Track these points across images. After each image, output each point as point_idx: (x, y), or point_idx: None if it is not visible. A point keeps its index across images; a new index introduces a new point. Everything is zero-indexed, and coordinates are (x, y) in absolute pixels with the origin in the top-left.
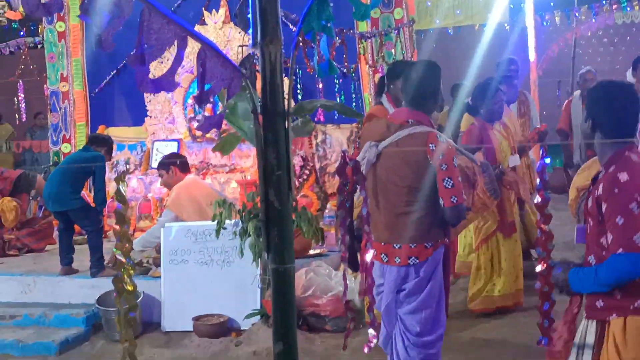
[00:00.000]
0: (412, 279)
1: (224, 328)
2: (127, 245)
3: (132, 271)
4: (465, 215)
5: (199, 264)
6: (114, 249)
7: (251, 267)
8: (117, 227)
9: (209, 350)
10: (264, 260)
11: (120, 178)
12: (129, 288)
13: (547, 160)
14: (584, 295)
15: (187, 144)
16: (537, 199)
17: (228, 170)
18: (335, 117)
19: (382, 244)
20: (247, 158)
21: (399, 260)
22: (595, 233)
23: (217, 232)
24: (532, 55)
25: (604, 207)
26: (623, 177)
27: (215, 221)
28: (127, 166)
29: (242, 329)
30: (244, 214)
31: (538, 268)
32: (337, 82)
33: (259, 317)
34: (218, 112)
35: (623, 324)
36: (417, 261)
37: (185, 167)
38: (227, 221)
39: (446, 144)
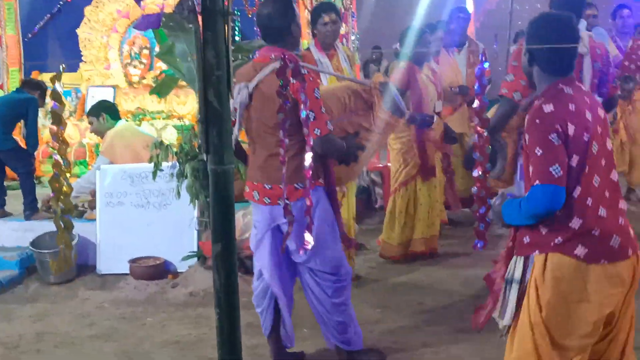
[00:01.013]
0: (284, 220)
1: (160, 270)
2: (63, 146)
3: (68, 174)
4: (337, 146)
5: (136, 207)
6: (50, 147)
7: (188, 209)
8: (54, 127)
9: (145, 292)
10: (201, 202)
11: (56, 77)
12: (65, 189)
13: (486, 65)
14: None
15: (123, 91)
16: (476, 103)
17: (165, 116)
18: None
19: (254, 182)
20: (183, 105)
21: (269, 200)
22: (527, 167)
23: (154, 174)
24: (470, 7)
25: (527, 138)
26: (548, 108)
27: (152, 163)
28: (63, 67)
29: (178, 271)
30: (181, 155)
31: (475, 173)
32: None
33: (195, 259)
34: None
35: (544, 260)
36: (288, 202)
37: (115, 114)
38: (164, 163)
39: (308, 75)
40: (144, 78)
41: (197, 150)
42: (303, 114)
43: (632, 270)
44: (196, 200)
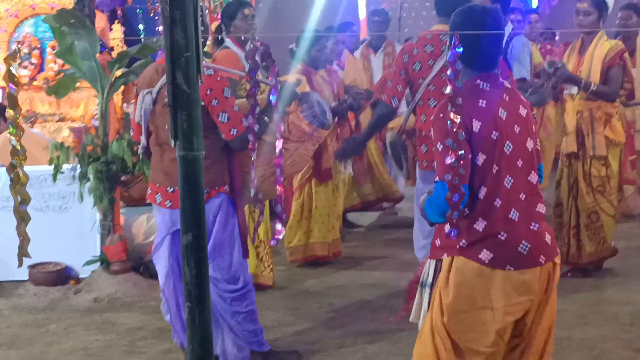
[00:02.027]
0: None
1: (61, 276)
2: (19, 131)
3: (23, 162)
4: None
5: (34, 211)
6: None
7: (91, 213)
8: (10, 111)
9: (47, 299)
10: (104, 205)
11: (11, 57)
12: (22, 177)
13: (459, 50)
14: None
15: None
16: (448, 89)
17: (58, 119)
18: None
19: (157, 185)
20: (77, 107)
21: (170, 204)
22: None
23: (55, 176)
24: (362, 14)
25: (432, 132)
26: (456, 102)
27: (52, 165)
28: (19, 47)
29: (81, 276)
30: (83, 157)
31: (448, 160)
32: None
33: (99, 264)
34: None
35: (450, 263)
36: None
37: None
38: (65, 165)
39: (214, 76)
40: (34, 79)
41: (100, 152)
42: (219, 118)
43: (546, 279)
44: (100, 203)
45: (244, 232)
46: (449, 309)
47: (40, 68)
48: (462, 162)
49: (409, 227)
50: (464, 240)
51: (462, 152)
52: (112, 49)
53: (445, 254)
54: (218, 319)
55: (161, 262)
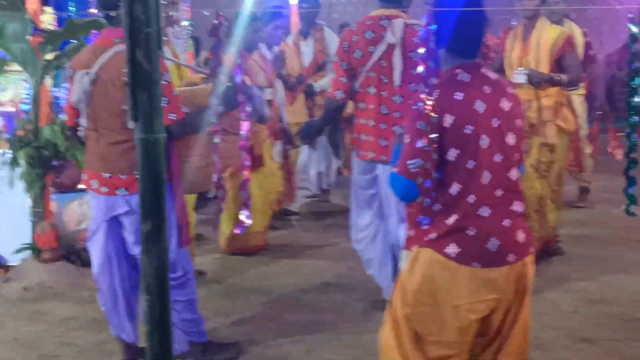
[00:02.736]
0: (123, 211)
1: None
2: None
3: None
4: (201, 124)
5: None
6: None
7: (21, 199)
8: None
9: None
10: (36, 191)
11: None
12: None
13: (432, 27)
14: None
15: None
16: (420, 68)
17: None
18: None
19: (93, 171)
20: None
21: (106, 190)
22: None
23: None
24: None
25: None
26: (428, 82)
27: None
28: None
29: (10, 264)
30: (14, 142)
31: (419, 143)
32: None
33: (29, 252)
34: None
35: (417, 254)
36: (127, 193)
37: None
38: None
39: None
40: None
41: (32, 136)
42: None
43: (515, 279)
44: (31, 189)
45: (182, 220)
46: (412, 300)
47: None
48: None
49: (342, 213)
50: (434, 233)
51: (430, 140)
52: (44, 31)
53: (416, 246)
54: None
55: (96, 251)
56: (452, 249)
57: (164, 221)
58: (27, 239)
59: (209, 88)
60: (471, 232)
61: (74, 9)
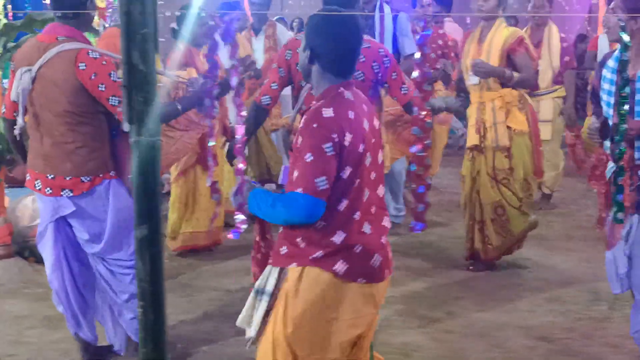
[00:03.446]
0: (69, 212)
1: None
2: None
3: None
4: (165, 114)
5: None
6: None
7: None
8: None
9: None
10: None
11: None
12: None
13: (429, 32)
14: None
15: None
16: (415, 73)
17: None
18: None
19: (36, 171)
20: None
21: (51, 191)
22: (292, 169)
23: None
24: None
25: (299, 140)
26: (327, 112)
27: None
28: None
29: None
30: None
31: (413, 149)
32: None
33: None
34: None
35: (300, 273)
36: (71, 194)
37: None
38: None
39: (100, 59)
40: None
41: None
42: (110, 102)
43: (384, 292)
44: None
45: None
46: (296, 321)
47: None
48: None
49: None
50: (320, 251)
51: (429, 141)
52: (5, 24)
53: (295, 264)
54: (114, 306)
55: (47, 252)
56: (340, 266)
57: (159, 226)
58: None
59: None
60: (358, 248)
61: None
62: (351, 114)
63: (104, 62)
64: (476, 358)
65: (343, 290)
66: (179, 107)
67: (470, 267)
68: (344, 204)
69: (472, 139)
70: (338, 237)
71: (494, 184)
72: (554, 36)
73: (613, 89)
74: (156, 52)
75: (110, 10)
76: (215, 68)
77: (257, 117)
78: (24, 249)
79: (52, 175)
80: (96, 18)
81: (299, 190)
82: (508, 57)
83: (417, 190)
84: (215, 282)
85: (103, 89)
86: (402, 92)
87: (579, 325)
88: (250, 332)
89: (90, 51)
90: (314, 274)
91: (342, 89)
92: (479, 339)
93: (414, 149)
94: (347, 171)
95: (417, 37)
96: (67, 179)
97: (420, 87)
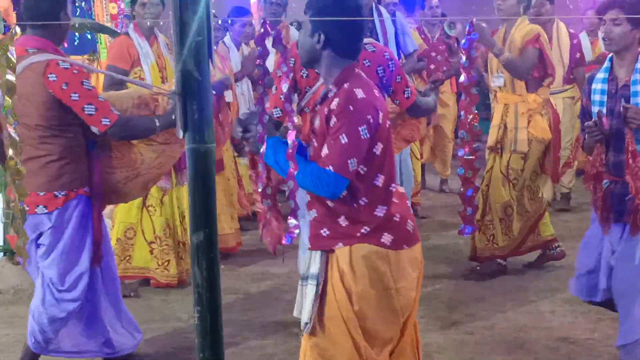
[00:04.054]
0: (46, 230)
1: None
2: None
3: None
4: (142, 124)
5: None
6: None
7: None
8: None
9: None
10: (6, 192)
11: (9, 39)
12: (22, 170)
13: (474, 36)
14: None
15: None
16: (463, 77)
17: None
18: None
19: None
20: None
21: (27, 209)
22: (319, 154)
23: None
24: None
25: (332, 121)
26: (360, 93)
27: None
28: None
29: None
30: None
31: (460, 152)
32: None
33: (2, 254)
34: None
35: (349, 252)
36: (46, 210)
37: None
38: None
39: (70, 69)
40: None
41: None
42: (85, 111)
43: (421, 252)
44: (4, 189)
45: (97, 237)
46: (360, 296)
47: None
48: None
49: None
50: (365, 227)
51: (477, 144)
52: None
53: (341, 244)
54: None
55: (35, 273)
56: (386, 237)
57: (215, 232)
58: (0, 241)
59: (134, 93)
60: (397, 218)
61: None
62: (376, 92)
63: (75, 72)
64: (498, 359)
65: (393, 259)
66: (157, 123)
67: (477, 267)
68: (381, 179)
69: (492, 139)
70: (380, 211)
71: (505, 182)
72: (562, 32)
73: (605, 98)
74: (210, 60)
75: (121, 16)
76: (266, 74)
77: (271, 129)
78: None
79: (27, 192)
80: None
81: (330, 168)
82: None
83: (466, 194)
84: (237, 285)
85: (77, 98)
86: (405, 95)
87: (601, 325)
88: (305, 319)
89: (59, 62)
90: (364, 250)
91: (357, 69)
92: (501, 341)
93: (461, 152)
94: (380, 147)
95: (463, 41)
96: (41, 194)
97: (468, 91)
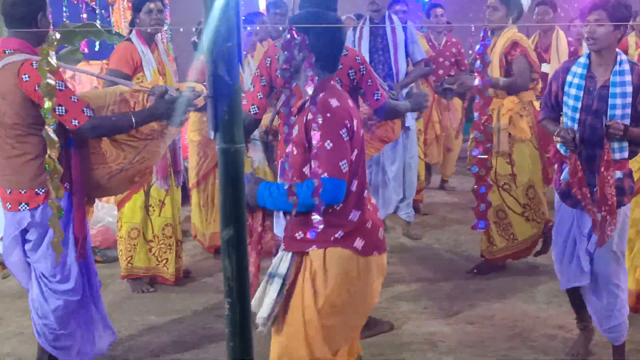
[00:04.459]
0: (30, 226)
1: None
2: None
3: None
4: (113, 123)
5: None
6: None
7: None
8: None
9: None
10: None
11: (49, 45)
12: (59, 169)
13: (488, 42)
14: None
15: None
16: (477, 80)
17: None
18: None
19: None
20: None
21: (10, 206)
22: (299, 162)
23: None
24: (261, 5)
25: (313, 132)
26: (334, 102)
27: None
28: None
29: None
30: None
31: (475, 152)
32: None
33: None
34: None
35: (323, 255)
36: (28, 207)
37: None
38: None
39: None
40: None
41: None
42: (56, 111)
43: (385, 262)
44: None
45: (78, 232)
46: (326, 299)
47: None
48: (351, 160)
49: None
50: (340, 232)
51: (490, 144)
52: None
53: (315, 246)
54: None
55: (17, 267)
56: (358, 242)
57: (245, 227)
58: None
59: (117, 90)
60: (369, 224)
61: (67, 14)
62: (350, 102)
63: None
64: (498, 347)
65: (363, 264)
66: (134, 120)
67: (475, 270)
68: (355, 184)
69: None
70: (354, 216)
71: (495, 188)
72: (561, 40)
73: (581, 93)
74: (240, 65)
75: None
76: (292, 78)
77: (249, 125)
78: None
79: (9, 190)
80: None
81: (325, 175)
82: (506, 61)
83: (479, 191)
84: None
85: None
86: (375, 98)
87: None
88: (262, 313)
89: (34, 62)
90: (337, 253)
91: (332, 81)
92: (500, 329)
93: (475, 152)
94: (355, 153)
95: (478, 46)
96: (23, 192)
97: (482, 94)
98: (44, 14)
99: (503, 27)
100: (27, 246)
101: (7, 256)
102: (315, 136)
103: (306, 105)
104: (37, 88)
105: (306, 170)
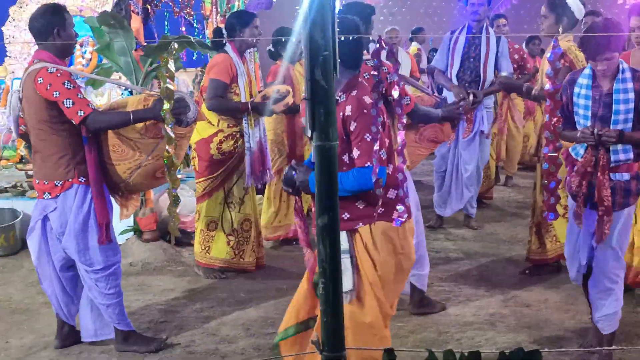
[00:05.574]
0: (52, 213)
1: None
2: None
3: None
4: (116, 118)
5: None
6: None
7: None
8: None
9: None
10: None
11: (169, 54)
12: (176, 163)
13: (559, 50)
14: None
15: None
16: (548, 85)
17: None
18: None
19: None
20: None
21: (37, 194)
22: (339, 153)
23: None
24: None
25: (352, 125)
26: (367, 99)
27: None
28: (173, 44)
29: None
30: None
31: (545, 150)
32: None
33: (132, 232)
34: None
35: (369, 229)
36: (50, 197)
37: None
38: None
39: (55, 72)
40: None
41: None
42: (64, 104)
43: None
44: None
45: (101, 219)
46: (382, 264)
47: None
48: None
49: None
50: (380, 208)
51: (559, 144)
52: (144, 46)
53: (361, 223)
54: (87, 294)
55: (34, 245)
56: (397, 214)
57: (337, 215)
58: (130, 221)
59: (142, 97)
60: (402, 197)
61: (168, 27)
62: (376, 96)
63: (59, 74)
64: (552, 328)
65: (401, 231)
66: (131, 116)
67: (527, 272)
68: (390, 168)
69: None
70: (392, 194)
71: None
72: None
73: (590, 103)
74: (334, 72)
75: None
76: (380, 83)
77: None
78: (167, 234)
79: (37, 180)
80: None
81: (368, 164)
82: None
83: (549, 186)
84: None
85: (57, 95)
86: (404, 102)
87: None
88: (347, 287)
89: (50, 68)
90: (382, 227)
91: (360, 79)
92: (554, 312)
93: (546, 150)
94: (387, 141)
95: (548, 54)
96: (45, 183)
97: (552, 97)
98: (63, 29)
99: (555, 35)
100: (57, 230)
101: (29, 235)
102: (356, 129)
103: (340, 101)
104: (48, 87)
105: (345, 158)
